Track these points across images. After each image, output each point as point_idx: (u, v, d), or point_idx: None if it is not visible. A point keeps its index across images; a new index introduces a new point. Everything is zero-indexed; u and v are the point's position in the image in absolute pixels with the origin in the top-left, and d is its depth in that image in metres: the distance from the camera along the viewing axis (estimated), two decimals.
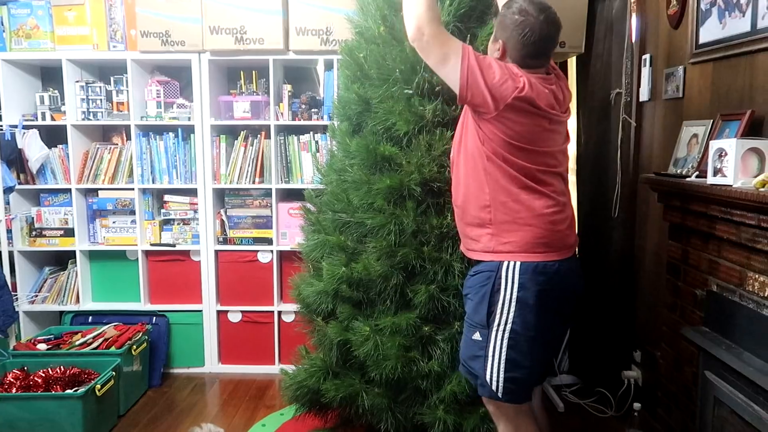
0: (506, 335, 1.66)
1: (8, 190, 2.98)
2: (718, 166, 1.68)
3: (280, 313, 3.21)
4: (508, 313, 1.65)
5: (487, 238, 1.71)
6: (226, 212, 3.21)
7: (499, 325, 1.66)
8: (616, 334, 2.77)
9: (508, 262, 1.67)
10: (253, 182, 3.16)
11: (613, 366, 2.76)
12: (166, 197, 3.24)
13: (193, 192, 3.20)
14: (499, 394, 1.68)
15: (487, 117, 1.63)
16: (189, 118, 3.15)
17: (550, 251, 1.68)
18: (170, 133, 3.17)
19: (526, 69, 1.66)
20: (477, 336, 1.71)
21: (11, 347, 2.86)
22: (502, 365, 1.66)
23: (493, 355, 1.67)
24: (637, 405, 2.34)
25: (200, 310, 3.22)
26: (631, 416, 2.36)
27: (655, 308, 2.43)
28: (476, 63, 1.61)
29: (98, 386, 2.46)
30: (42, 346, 2.83)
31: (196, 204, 3.19)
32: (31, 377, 2.55)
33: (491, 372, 1.68)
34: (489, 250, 1.71)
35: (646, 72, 2.53)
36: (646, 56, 2.53)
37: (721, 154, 1.67)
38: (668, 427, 2.11)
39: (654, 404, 2.27)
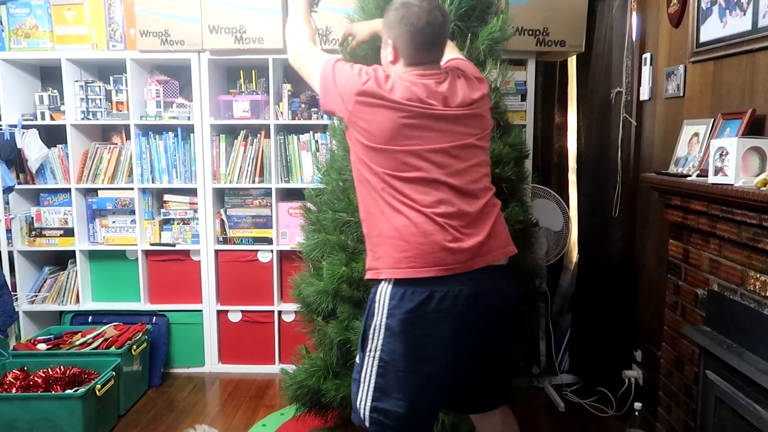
0: (376, 362, 1.54)
1: (8, 190, 2.98)
2: (719, 165, 1.68)
3: (280, 312, 3.20)
4: (378, 339, 1.54)
5: (369, 255, 1.63)
6: (225, 212, 3.21)
7: (371, 351, 1.55)
8: (617, 333, 2.77)
9: (383, 282, 1.55)
10: (253, 182, 3.16)
11: (613, 365, 2.76)
12: (166, 197, 3.24)
13: (192, 192, 3.19)
14: (366, 424, 1.56)
15: (348, 121, 1.58)
16: (188, 118, 3.14)
17: (427, 268, 1.49)
18: (170, 133, 3.17)
19: (421, 66, 1.59)
20: (357, 359, 1.62)
21: (11, 347, 2.86)
22: (370, 393, 1.55)
23: (364, 381, 1.56)
24: (637, 404, 2.34)
25: (200, 310, 3.22)
26: (632, 416, 2.35)
27: (656, 308, 2.43)
28: (331, 69, 1.60)
29: (98, 386, 2.45)
30: (42, 346, 2.83)
31: (196, 203, 3.19)
32: (31, 377, 2.55)
33: (360, 398, 1.57)
34: (368, 267, 1.63)
35: (646, 71, 2.52)
36: (647, 55, 2.53)
37: (722, 153, 1.67)
38: (669, 427, 2.11)
39: (655, 404, 2.27)
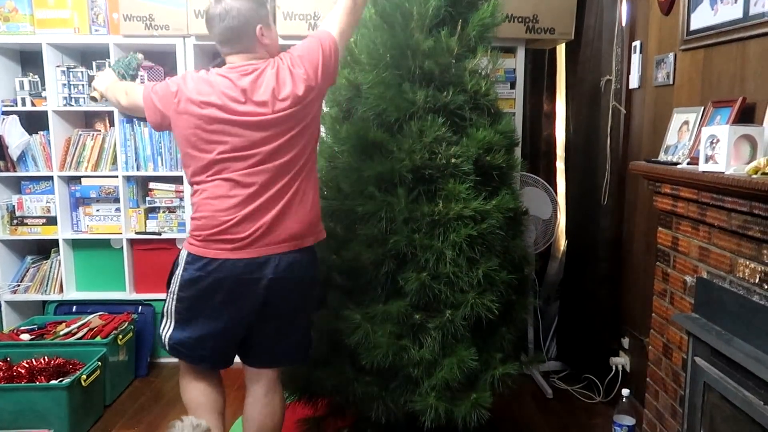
0: (174, 303, 1.84)
1: None
2: (710, 153, 1.68)
3: None
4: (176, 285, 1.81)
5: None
6: None
7: (172, 293, 1.84)
8: (604, 320, 2.79)
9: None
10: None
11: (600, 352, 2.78)
12: (151, 185, 3.19)
13: (178, 179, 3.15)
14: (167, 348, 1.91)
15: None
16: None
17: (209, 246, 1.73)
18: None
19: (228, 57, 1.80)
20: None
21: None
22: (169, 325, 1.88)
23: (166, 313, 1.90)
24: (625, 391, 2.36)
25: None
26: (620, 402, 2.38)
27: (644, 295, 2.45)
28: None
29: (84, 376, 2.42)
30: (25, 336, 2.78)
31: (182, 192, 3.14)
32: (15, 368, 2.51)
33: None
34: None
35: (636, 59, 2.52)
36: (636, 43, 2.53)
37: (713, 141, 1.67)
38: (657, 412, 2.13)
39: (642, 390, 2.29)
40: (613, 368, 2.68)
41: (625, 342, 2.68)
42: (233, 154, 1.70)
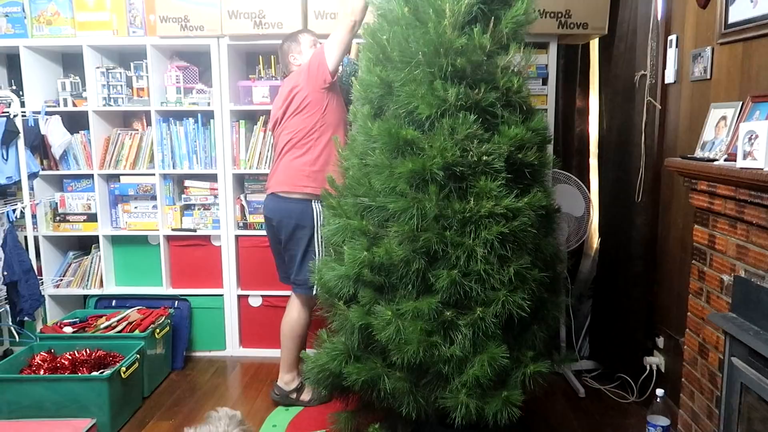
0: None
1: (32, 176, 3.02)
2: (748, 150, 1.65)
3: None
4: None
5: None
6: (245, 197, 3.23)
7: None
8: (638, 319, 2.75)
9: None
10: None
11: (634, 352, 2.74)
12: (187, 182, 3.26)
13: (213, 177, 3.21)
14: None
15: None
16: (208, 104, 3.16)
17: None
18: (190, 119, 3.18)
19: None
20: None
21: (38, 330, 2.92)
22: None
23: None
24: (659, 391, 2.32)
25: (221, 295, 3.26)
26: (654, 402, 2.34)
27: (679, 293, 2.41)
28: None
29: (123, 368, 2.50)
30: (68, 329, 2.88)
31: (216, 189, 3.21)
32: (58, 359, 2.60)
33: None
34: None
35: (672, 53, 2.48)
36: (672, 37, 2.48)
37: (751, 136, 1.64)
38: (692, 413, 2.10)
39: (676, 390, 2.26)
40: (647, 368, 2.64)
41: (660, 341, 2.63)
42: None
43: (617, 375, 2.86)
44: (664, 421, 2.29)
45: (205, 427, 1.24)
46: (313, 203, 2.56)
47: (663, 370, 2.60)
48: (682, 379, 2.18)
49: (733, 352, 1.82)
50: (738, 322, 1.77)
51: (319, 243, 2.59)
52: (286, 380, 2.73)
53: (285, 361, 2.72)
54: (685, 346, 2.16)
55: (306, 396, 2.69)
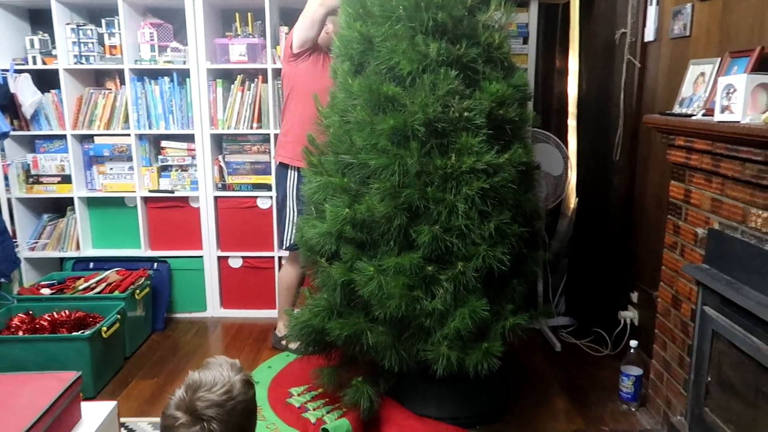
0: None
1: (2, 136, 2.94)
2: (726, 103, 1.67)
3: (280, 258, 3.23)
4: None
5: None
6: (224, 158, 3.19)
7: None
8: (613, 276, 2.81)
9: None
10: (251, 127, 3.13)
11: (609, 307, 2.82)
12: (163, 143, 3.21)
13: (190, 138, 3.16)
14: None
15: None
16: (184, 62, 3.08)
17: None
18: (165, 78, 3.11)
19: None
20: None
21: (15, 292, 2.88)
22: None
23: None
24: (633, 342, 2.40)
25: (201, 256, 3.24)
26: (627, 354, 2.42)
27: (655, 250, 2.46)
28: None
29: (104, 328, 2.49)
30: (45, 291, 2.85)
31: (194, 150, 3.16)
32: (37, 321, 2.58)
33: None
34: None
35: (652, 11, 2.48)
36: None
37: (729, 90, 1.66)
38: (664, 362, 2.17)
39: (650, 342, 2.33)
40: (621, 322, 2.72)
41: (634, 296, 2.70)
42: None
43: (592, 330, 2.94)
44: (636, 371, 2.37)
45: (209, 372, 1.24)
46: (289, 170, 2.70)
47: (636, 324, 2.68)
48: (655, 331, 2.25)
49: (705, 301, 1.88)
50: (711, 273, 1.83)
51: (291, 208, 2.74)
52: (279, 327, 2.91)
53: (279, 311, 2.91)
54: (659, 299, 2.22)
55: (293, 345, 2.75)
